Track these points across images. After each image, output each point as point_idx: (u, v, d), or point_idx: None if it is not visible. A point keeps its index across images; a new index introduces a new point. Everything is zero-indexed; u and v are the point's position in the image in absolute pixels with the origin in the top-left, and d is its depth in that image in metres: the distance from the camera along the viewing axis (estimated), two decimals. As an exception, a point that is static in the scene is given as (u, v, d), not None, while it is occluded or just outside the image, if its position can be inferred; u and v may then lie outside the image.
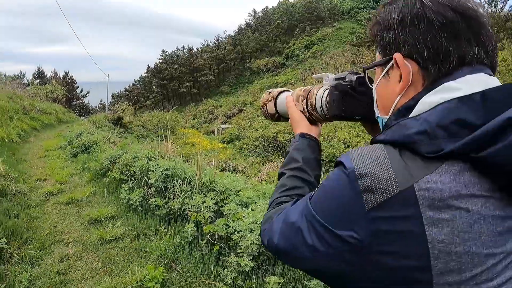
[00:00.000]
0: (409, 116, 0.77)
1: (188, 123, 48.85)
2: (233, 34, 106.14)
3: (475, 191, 0.66)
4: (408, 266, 0.68)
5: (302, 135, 1.29)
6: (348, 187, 0.75)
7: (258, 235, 3.60)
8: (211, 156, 9.73)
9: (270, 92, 1.55)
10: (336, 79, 1.16)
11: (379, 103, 0.95)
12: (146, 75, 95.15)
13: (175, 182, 5.32)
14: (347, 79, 1.13)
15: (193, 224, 4.36)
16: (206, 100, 73.81)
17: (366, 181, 0.72)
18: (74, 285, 3.86)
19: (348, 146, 16.83)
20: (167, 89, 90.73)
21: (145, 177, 5.84)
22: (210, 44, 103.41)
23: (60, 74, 66.40)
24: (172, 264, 4.09)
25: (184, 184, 5.23)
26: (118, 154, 7.61)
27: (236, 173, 10.00)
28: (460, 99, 0.70)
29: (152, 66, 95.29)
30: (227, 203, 4.46)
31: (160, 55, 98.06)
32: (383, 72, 0.89)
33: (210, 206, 4.41)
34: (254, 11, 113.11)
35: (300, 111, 1.34)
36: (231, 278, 3.58)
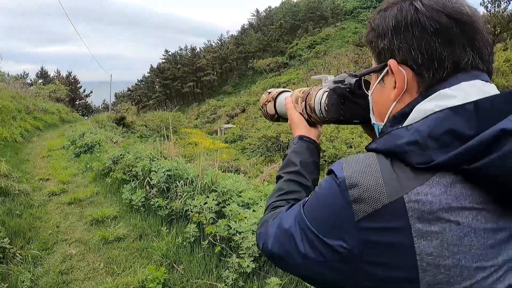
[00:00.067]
0: (404, 124, 0.77)
1: (191, 123, 48.89)
2: (236, 34, 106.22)
3: (467, 203, 0.66)
4: (398, 277, 0.67)
5: (301, 138, 1.28)
6: (338, 197, 0.75)
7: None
8: (213, 156, 9.74)
9: (269, 93, 1.54)
10: (334, 81, 1.14)
11: (374, 110, 0.95)
12: (149, 75, 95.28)
13: (177, 182, 5.33)
14: (346, 82, 1.11)
15: (195, 225, 4.37)
16: (209, 100, 73.83)
17: (356, 191, 0.72)
18: (76, 285, 3.87)
19: (351, 147, 16.83)
20: (170, 89, 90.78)
21: (148, 178, 5.84)
22: (213, 44, 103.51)
23: (63, 74, 66.60)
24: (174, 264, 4.10)
25: (186, 184, 5.24)
26: (121, 154, 7.62)
27: (238, 173, 10.01)
28: (453, 109, 0.69)
29: (155, 66, 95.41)
30: (229, 204, 4.46)
31: (163, 55, 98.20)
32: (378, 79, 0.89)
33: (212, 207, 4.41)
34: (257, 11, 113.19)
35: (299, 113, 1.33)
36: (232, 279, 3.58)
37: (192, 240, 4.30)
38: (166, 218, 5.08)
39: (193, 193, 5.01)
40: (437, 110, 0.71)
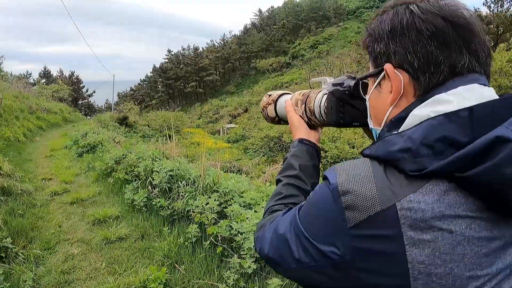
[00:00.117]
0: (400, 130, 0.76)
1: (193, 122, 48.87)
2: (238, 34, 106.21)
3: (460, 211, 0.65)
4: (389, 284, 0.67)
5: (301, 141, 1.28)
6: (331, 203, 0.75)
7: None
8: (216, 157, 9.74)
9: (270, 95, 1.53)
10: (333, 84, 1.13)
11: (372, 115, 0.94)
12: (151, 74, 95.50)
13: (179, 183, 5.34)
14: (345, 85, 1.09)
15: (197, 225, 4.37)
16: (211, 100, 73.87)
17: (348, 198, 0.72)
18: (78, 285, 3.87)
19: (354, 147, 16.79)
20: (173, 89, 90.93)
21: (150, 178, 5.85)
22: (216, 44, 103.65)
23: (66, 73, 67.02)
24: (176, 265, 4.10)
25: (188, 185, 5.24)
26: (123, 154, 7.63)
27: (241, 174, 10.01)
28: (447, 115, 0.68)
29: (157, 65, 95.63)
30: (231, 205, 4.46)
31: (166, 55, 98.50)
32: (375, 83, 0.88)
33: (213, 208, 4.41)
34: (260, 11, 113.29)
35: (299, 115, 1.32)
36: (233, 279, 3.58)
37: (193, 241, 4.30)
38: (168, 218, 5.09)
39: (195, 194, 5.01)
40: (432, 115, 0.70)
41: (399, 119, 0.79)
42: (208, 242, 4.13)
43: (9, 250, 4.23)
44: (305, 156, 1.25)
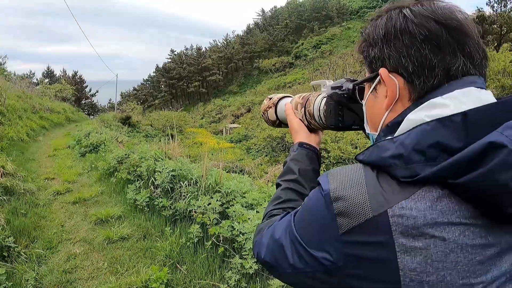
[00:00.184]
0: (395, 134, 0.75)
1: (196, 122, 48.89)
2: (241, 34, 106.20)
3: (454, 218, 0.64)
4: None
5: (301, 145, 1.27)
6: (324, 209, 0.75)
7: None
8: (218, 157, 9.74)
9: (270, 99, 1.52)
10: (332, 87, 1.12)
11: (368, 119, 0.94)
12: (154, 74, 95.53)
13: (182, 183, 5.34)
14: (343, 88, 1.09)
15: (199, 226, 4.37)
16: (214, 100, 73.90)
17: (340, 205, 0.72)
18: (80, 284, 3.88)
19: (356, 147, 16.75)
20: (176, 89, 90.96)
21: (152, 178, 5.86)
22: (219, 44, 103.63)
23: (69, 73, 67.23)
24: (177, 265, 4.11)
25: (190, 185, 5.24)
26: (126, 154, 7.64)
27: (243, 174, 10.01)
28: (440, 120, 0.67)
29: (160, 65, 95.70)
30: (233, 205, 4.46)
31: (169, 55, 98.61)
32: (371, 88, 0.88)
33: (215, 208, 4.41)
34: (263, 11, 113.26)
35: (299, 119, 1.32)
36: (235, 280, 3.58)
37: (195, 241, 4.30)
38: (170, 218, 5.09)
39: (197, 194, 5.01)
40: (427, 119, 0.70)
41: (395, 124, 0.79)
42: (210, 242, 4.13)
43: (11, 250, 4.25)
44: (305, 160, 1.25)
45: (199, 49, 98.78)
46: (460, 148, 0.63)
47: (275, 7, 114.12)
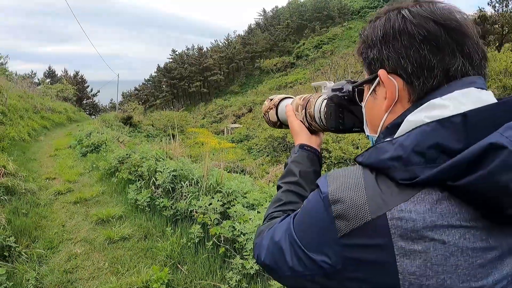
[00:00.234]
0: (395, 136, 0.75)
1: (197, 122, 48.89)
2: (243, 34, 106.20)
3: (454, 221, 0.63)
4: None
5: (302, 147, 1.27)
6: (322, 212, 0.74)
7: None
8: (219, 157, 9.74)
9: (271, 100, 1.52)
10: (333, 89, 1.11)
11: (368, 121, 0.93)
12: (156, 74, 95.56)
13: (183, 183, 5.34)
14: (344, 90, 1.08)
15: (200, 226, 4.37)
16: (215, 100, 73.95)
17: (338, 207, 0.71)
18: (81, 284, 3.88)
19: (358, 148, 16.74)
20: (177, 89, 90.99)
21: (153, 178, 5.86)
22: (220, 44, 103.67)
23: (71, 73, 67.27)
24: (178, 265, 4.10)
25: (191, 185, 5.24)
26: (127, 154, 7.65)
27: (244, 174, 10.00)
28: (440, 121, 0.67)
29: (161, 65, 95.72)
30: (234, 205, 4.45)
31: (170, 55, 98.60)
32: (370, 90, 0.88)
33: (216, 208, 4.41)
34: (264, 11, 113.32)
35: (300, 120, 1.32)
36: (236, 280, 3.58)
37: (196, 241, 4.30)
38: (171, 218, 5.09)
39: (198, 194, 5.00)
40: (427, 121, 0.69)
41: (395, 125, 0.78)
42: (211, 242, 4.12)
43: (12, 249, 4.24)
44: (305, 162, 1.24)
45: (200, 49, 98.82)
46: (460, 149, 0.63)
47: (276, 7, 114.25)
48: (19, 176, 7.32)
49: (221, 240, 4.05)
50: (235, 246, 3.94)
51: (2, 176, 6.73)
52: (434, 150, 0.65)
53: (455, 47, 0.74)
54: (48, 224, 5.42)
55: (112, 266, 4.20)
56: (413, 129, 0.70)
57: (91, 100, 67.84)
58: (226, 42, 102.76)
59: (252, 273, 3.56)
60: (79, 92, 57.29)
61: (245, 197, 4.71)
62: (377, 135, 0.86)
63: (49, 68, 67.47)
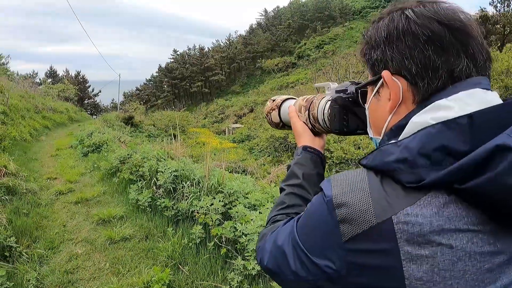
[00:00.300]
0: (399, 138, 0.74)
1: (199, 122, 48.88)
2: (244, 34, 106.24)
3: (461, 225, 0.62)
4: None
5: (305, 148, 1.26)
6: (326, 216, 0.73)
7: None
8: (221, 157, 9.73)
9: (274, 101, 1.50)
10: (337, 91, 1.10)
11: (371, 123, 0.92)
12: (157, 74, 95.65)
13: (184, 183, 5.33)
14: (348, 91, 1.06)
15: (201, 226, 4.36)
16: (217, 100, 73.95)
17: (343, 211, 0.70)
18: (82, 285, 3.87)
19: (359, 148, 16.70)
20: (178, 89, 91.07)
21: (154, 178, 5.85)
22: (221, 44, 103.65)
23: (72, 73, 67.44)
24: (179, 266, 4.09)
25: (193, 185, 5.23)
26: (128, 154, 7.65)
27: (246, 174, 9.99)
28: (445, 123, 0.66)
29: (163, 65, 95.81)
30: (235, 206, 4.44)
31: (171, 55, 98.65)
32: (374, 91, 0.87)
33: (218, 208, 4.39)
34: (265, 11, 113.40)
35: (303, 122, 1.30)
36: (237, 281, 3.56)
37: (197, 242, 4.28)
38: (172, 218, 5.08)
39: (200, 194, 5.00)
40: (432, 122, 0.68)
41: (399, 127, 0.77)
42: (212, 243, 4.11)
43: (13, 250, 4.24)
44: (309, 164, 1.23)
45: (201, 49, 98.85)
46: (466, 151, 0.62)
47: (277, 7, 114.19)
48: (20, 176, 7.32)
49: (222, 241, 4.04)
50: (236, 247, 3.93)
51: (3, 176, 6.73)
52: (440, 152, 0.64)
53: (459, 48, 0.73)
54: (49, 224, 5.42)
55: (113, 267, 4.20)
56: (418, 131, 0.68)
57: (92, 100, 68.00)
58: (228, 42, 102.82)
59: (253, 274, 3.56)
60: (80, 92, 57.39)
61: (247, 198, 4.70)
62: (381, 137, 0.85)
63: (51, 68, 67.65)
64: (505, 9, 38.66)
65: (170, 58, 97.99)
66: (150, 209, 5.52)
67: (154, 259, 4.31)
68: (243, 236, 3.82)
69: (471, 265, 0.61)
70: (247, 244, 3.72)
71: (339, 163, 15.66)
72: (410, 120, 0.73)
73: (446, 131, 0.65)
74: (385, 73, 0.79)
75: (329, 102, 1.14)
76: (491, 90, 0.74)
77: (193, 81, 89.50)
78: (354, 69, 39.89)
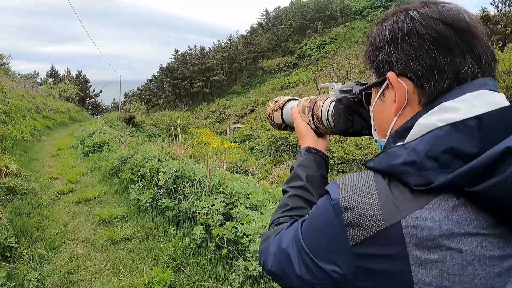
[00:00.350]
0: (405, 140, 0.72)
1: (200, 122, 48.94)
2: (245, 34, 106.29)
3: (471, 229, 0.61)
4: None
5: (308, 150, 1.24)
6: (333, 220, 0.72)
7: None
8: (222, 157, 9.72)
9: (276, 101, 1.48)
10: (341, 91, 1.09)
11: (376, 126, 0.91)
12: (158, 74, 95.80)
13: (185, 183, 5.31)
14: (353, 92, 1.05)
15: (202, 227, 4.34)
16: (218, 100, 74.09)
17: (350, 215, 0.69)
18: (82, 285, 3.86)
19: (361, 148, 16.68)
20: (179, 89, 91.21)
21: (155, 178, 5.84)
22: (223, 44, 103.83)
23: (73, 73, 67.51)
24: (181, 266, 4.07)
25: (194, 185, 5.22)
26: (129, 154, 7.64)
27: (247, 174, 9.97)
28: (454, 125, 0.64)
29: (163, 65, 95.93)
30: (237, 206, 4.43)
31: (173, 55, 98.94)
32: (379, 93, 0.85)
33: (219, 209, 4.38)
34: (266, 11, 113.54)
35: (307, 123, 1.28)
36: (239, 282, 3.55)
37: (199, 242, 4.27)
38: (174, 219, 5.06)
39: (201, 195, 4.98)
40: (439, 124, 0.67)
41: (405, 129, 0.76)
42: (214, 244, 4.10)
43: (14, 250, 4.23)
44: (312, 165, 1.21)
45: (202, 49, 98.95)
46: (474, 153, 0.60)
47: (278, 7, 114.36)
48: (21, 176, 7.31)
49: (224, 242, 4.03)
50: (238, 248, 3.91)
51: (4, 176, 6.73)
52: (448, 154, 0.63)
53: (464, 49, 0.72)
54: (50, 225, 5.41)
55: (114, 267, 4.19)
56: (426, 133, 0.67)
57: (93, 100, 68.08)
58: (229, 42, 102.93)
59: (255, 275, 3.54)
60: (81, 92, 57.46)
61: (248, 198, 4.68)
62: (386, 140, 0.84)
63: (52, 68, 67.67)
64: (507, 9, 38.55)
65: (171, 58, 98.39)
66: (151, 210, 5.51)
67: (155, 260, 4.29)
68: (245, 236, 3.80)
69: (481, 269, 0.60)
70: (248, 245, 3.70)
71: (340, 163, 15.65)
72: (417, 122, 0.72)
73: (454, 133, 0.64)
74: (390, 75, 0.78)
75: (334, 102, 1.12)
76: (498, 91, 0.73)
77: (194, 81, 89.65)
78: (355, 69, 39.85)
